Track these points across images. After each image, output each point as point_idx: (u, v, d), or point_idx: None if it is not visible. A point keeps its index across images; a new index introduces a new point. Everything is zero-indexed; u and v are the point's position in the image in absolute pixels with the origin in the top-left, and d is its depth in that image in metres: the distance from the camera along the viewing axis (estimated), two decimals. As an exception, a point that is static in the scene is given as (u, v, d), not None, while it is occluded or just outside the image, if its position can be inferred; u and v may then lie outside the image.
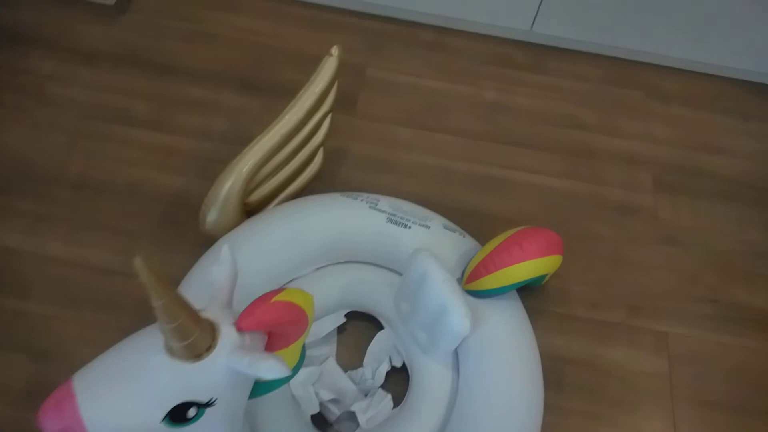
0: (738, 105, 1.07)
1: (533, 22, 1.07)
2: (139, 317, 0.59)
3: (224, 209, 0.75)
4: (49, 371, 0.75)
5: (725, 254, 0.91)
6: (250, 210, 0.81)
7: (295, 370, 0.55)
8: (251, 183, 0.76)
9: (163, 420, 0.44)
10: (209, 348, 0.45)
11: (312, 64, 0.78)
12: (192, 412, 0.45)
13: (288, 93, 0.78)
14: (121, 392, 0.43)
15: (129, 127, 0.96)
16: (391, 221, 0.75)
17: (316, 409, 0.71)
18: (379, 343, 0.77)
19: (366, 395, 0.74)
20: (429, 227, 0.75)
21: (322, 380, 0.74)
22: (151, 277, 0.39)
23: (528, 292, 0.80)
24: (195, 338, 0.43)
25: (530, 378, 0.67)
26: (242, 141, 0.76)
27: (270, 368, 0.43)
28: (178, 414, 0.44)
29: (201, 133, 0.96)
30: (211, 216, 0.76)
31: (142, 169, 0.92)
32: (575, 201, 0.94)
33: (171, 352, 0.44)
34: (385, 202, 0.77)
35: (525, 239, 0.69)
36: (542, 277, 0.75)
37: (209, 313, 0.47)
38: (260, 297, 0.48)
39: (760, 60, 1.05)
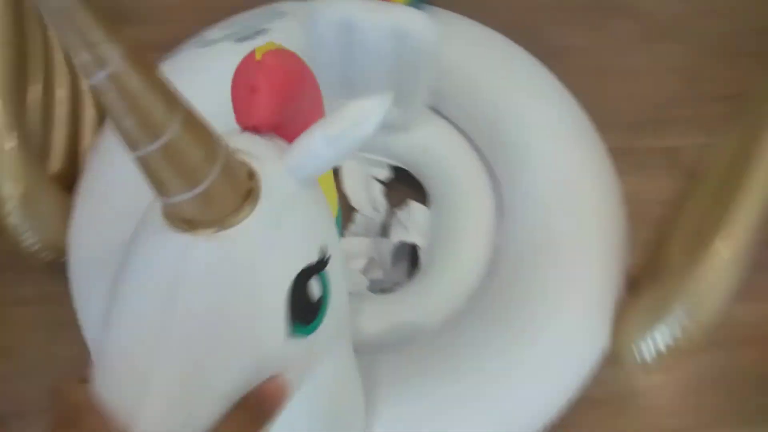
0: None
1: None
2: None
3: (31, 209, 0.47)
4: None
5: (726, 38, 0.74)
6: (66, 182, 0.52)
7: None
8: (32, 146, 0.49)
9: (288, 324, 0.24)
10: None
11: None
12: (316, 287, 0.25)
13: None
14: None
15: None
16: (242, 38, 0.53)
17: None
18: (351, 178, 0.60)
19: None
20: None
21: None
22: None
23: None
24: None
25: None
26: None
27: (370, 107, 0.24)
28: (300, 299, 0.24)
29: None
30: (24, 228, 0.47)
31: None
32: (535, 6, 0.74)
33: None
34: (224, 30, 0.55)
35: None
36: None
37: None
38: (238, 69, 0.27)
39: None
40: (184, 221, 0.22)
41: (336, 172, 0.58)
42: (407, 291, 0.51)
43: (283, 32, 0.54)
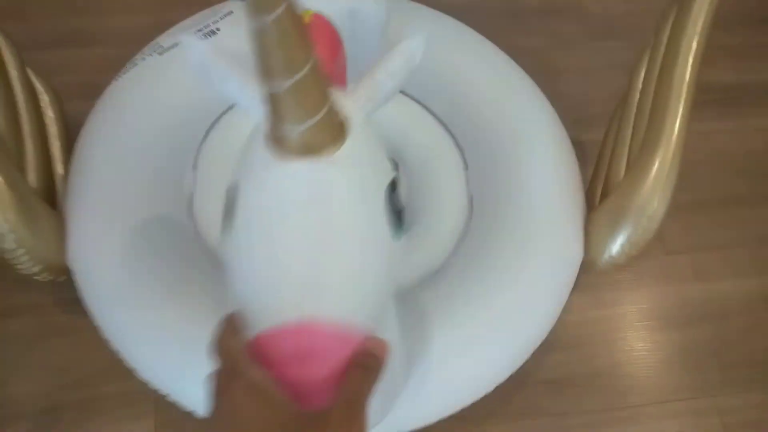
0: None
1: None
2: None
3: (29, 227, 0.46)
4: None
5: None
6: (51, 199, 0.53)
7: None
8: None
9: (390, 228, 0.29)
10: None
11: None
12: (397, 198, 0.30)
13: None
14: None
15: None
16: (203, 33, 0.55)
17: None
18: None
19: None
20: None
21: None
22: None
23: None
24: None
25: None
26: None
27: (415, 44, 0.30)
28: (392, 208, 0.29)
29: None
30: (24, 249, 0.46)
31: None
32: (489, 13, 0.76)
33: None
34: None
35: None
36: None
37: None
38: None
39: None
40: (300, 149, 0.26)
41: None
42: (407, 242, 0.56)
43: (234, 29, 0.56)
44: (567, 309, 0.49)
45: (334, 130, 0.27)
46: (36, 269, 0.47)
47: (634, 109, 0.53)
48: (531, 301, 0.48)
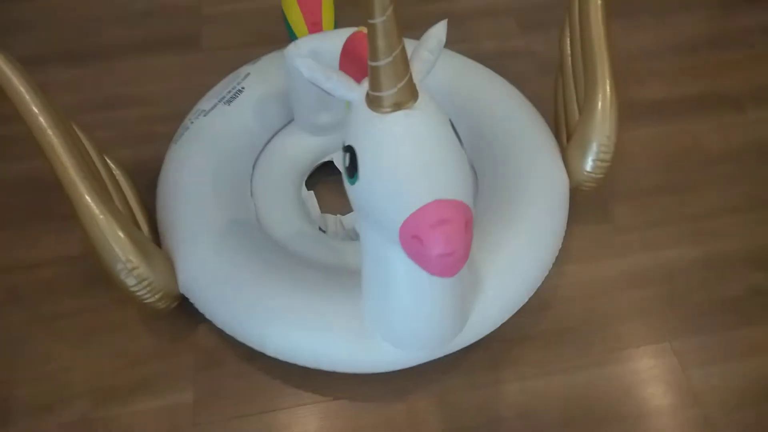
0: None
1: None
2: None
3: (146, 265, 0.57)
4: None
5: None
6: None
7: None
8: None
9: None
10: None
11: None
12: None
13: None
14: None
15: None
16: (229, 101, 0.72)
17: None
18: None
19: None
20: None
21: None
22: None
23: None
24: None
25: None
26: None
27: (440, 27, 0.45)
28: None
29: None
30: (146, 274, 0.57)
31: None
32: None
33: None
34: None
35: None
36: None
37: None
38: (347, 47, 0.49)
39: None
40: (395, 105, 0.40)
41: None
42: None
43: (257, 82, 0.72)
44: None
45: (412, 91, 0.41)
46: (155, 298, 0.59)
47: (570, 70, 0.71)
48: (543, 221, 0.63)
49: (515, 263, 0.60)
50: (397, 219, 0.38)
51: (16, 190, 0.78)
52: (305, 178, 0.75)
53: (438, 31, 0.45)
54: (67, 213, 0.72)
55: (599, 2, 0.68)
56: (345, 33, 0.64)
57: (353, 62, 0.46)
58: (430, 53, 0.44)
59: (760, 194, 0.77)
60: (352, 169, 0.41)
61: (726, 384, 0.63)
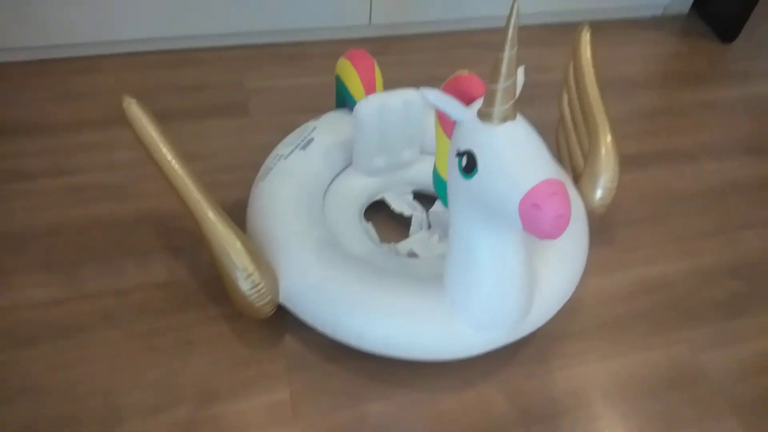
0: (529, 38, 1.34)
1: (370, 16, 1.25)
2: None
3: (259, 272, 0.68)
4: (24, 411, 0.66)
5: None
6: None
7: None
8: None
9: None
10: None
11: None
12: None
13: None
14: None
15: (26, 182, 0.91)
16: (303, 147, 0.86)
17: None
18: (394, 200, 0.91)
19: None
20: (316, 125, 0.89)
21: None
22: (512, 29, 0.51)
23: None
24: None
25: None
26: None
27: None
28: None
29: (106, 167, 0.95)
30: (258, 280, 0.68)
31: (56, 210, 0.88)
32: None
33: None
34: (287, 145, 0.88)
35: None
36: None
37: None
38: (451, 84, 0.62)
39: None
40: (504, 118, 0.54)
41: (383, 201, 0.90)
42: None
43: (325, 133, 0.86)
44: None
45: (515, 108, 0.55)
46: (263, 302, 0.69)
47: (570, 125, 0.90)
48: (575, 237, 0.77)
49: (559, 269, 0.74)
50: (516, 195, 0.52)
51: (95, 229, 0.86)
52: (363, 212, 0.88)
53: (520, 73, 0.61)
54: (148, 245, 0.83)
55: (592, 72, 0.88)
56: (398, 91, 0.81)
57: (456, 94, 0.61)
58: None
59: (726, 221, 0.97)
60: (470, 167, 0.55)
61: (727, 363, 0.77)
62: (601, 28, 1.07)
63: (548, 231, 0.51)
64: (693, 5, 1.45)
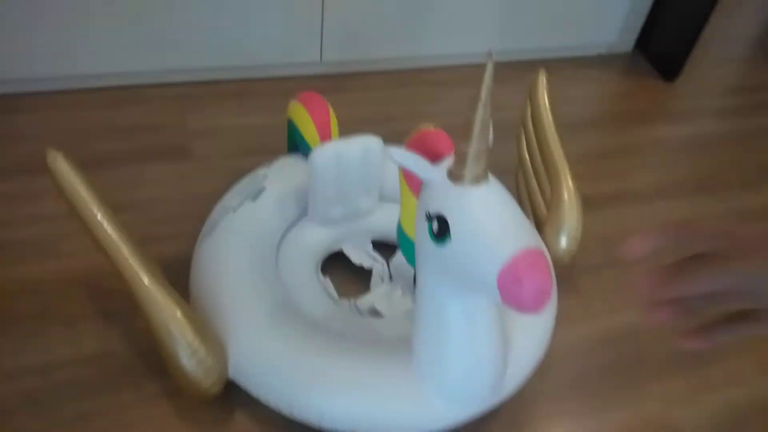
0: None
1: (321, 53, 1.21)
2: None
3: (205, 348, 0.61)
4: None
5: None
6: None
7: None
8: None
9: None
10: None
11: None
12: None
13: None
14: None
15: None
16: (254, 197, 0.80)
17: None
18: (352, 252, 0.86)
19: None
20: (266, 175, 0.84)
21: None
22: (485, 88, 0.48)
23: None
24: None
25: None
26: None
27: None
28: None
29: (30, 221, 0.85)
30: (205, 357, 0.61)
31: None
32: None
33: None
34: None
35: None
36: None
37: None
38: (415, 140, 0.59)
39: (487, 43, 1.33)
40: (475, 180, 0.50)
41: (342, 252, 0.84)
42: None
43: (277, 181, 0.80)
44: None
45: (486, 170, 0.51)
46: (209, 383, 0.61)
47: (530, 170, 0.90)
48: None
49: (529, 328, 0.70)
50: (494, 268, 0.47)
51: (16, 294, 0.76)
52: (320, 265, 0.82)
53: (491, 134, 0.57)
54: (77, 311, 0.74)
55: (550, 116, 0.87)
56: (356, 138, 0.76)
57: (421, 152, 0.56)
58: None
59: (684, 265, 0.96)
60: (443, 232, 0.51)
61: (700, 420, 0.76)
62: (548, 66, 1.07)
63: (530, 306, 0.47)
64: (636, 44, 1.49)
